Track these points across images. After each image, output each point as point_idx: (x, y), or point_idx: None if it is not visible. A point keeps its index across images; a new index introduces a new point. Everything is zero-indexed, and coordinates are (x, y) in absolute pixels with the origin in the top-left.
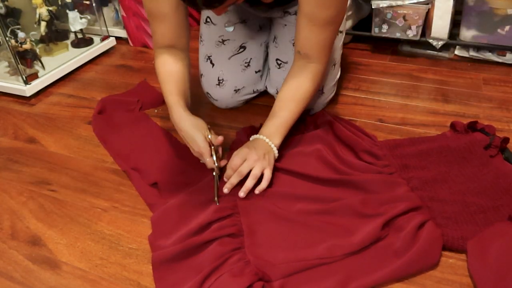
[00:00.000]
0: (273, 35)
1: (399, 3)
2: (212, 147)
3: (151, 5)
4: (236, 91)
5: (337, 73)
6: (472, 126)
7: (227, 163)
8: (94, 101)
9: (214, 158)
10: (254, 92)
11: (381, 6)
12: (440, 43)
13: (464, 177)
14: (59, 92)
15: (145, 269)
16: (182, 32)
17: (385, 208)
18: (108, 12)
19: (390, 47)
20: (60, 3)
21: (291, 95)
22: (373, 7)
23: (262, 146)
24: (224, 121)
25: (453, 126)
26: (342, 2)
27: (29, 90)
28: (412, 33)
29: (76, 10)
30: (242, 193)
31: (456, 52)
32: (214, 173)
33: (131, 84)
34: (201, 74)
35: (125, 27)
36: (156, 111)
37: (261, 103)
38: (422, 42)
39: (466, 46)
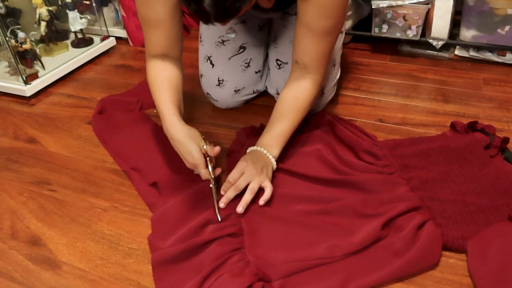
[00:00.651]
0: (273, 35)
1: (399, 3)
2: (208, 158)
3: (146, 11)
4: (236, 91)
5: (337, 74)
6: (472, 126)
7: (221, 172)
8: (94, 101)
9: (210, 169)
10: (254, 92)
11: (381, 6)
12: (440, 43)
13: (464, 177)
14: (59, 92)
15: (145, 269)
16: (176, 40)
17: (385, 208)
18: (108, 12)
19: (390, 47)
20: (60, 3)
21: (289, 105)
22: (373, 7)
23: (260, 159)
24: (224, 121)
25: (453, 126)
26: (342, 12)
27: (29, 90)
28: (412, 33)
29: (76, 10)
30: (240, 208)
31: (456, 52)
32: (211, 185)
33: (131, 84)
34: (201, 75)
35: (125, 27)
36: (156, 111)
37: (261, 103)
38: (422, 42)
39: (466, 46)
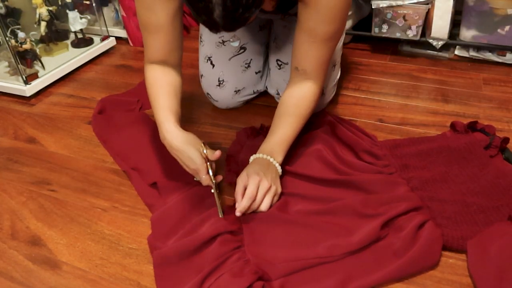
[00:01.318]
0: (273, 35)
1: (399, 3)
2: (208, 163)
3: (146, 15)
4: (237, 91)
5: (337, 74)
6: (472, 126)
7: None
8: (94, 101)
9: (211, 174)
10: (254, 92)
11: (381, 6)
12: (440, 43)
13: (464, 177)
14: (59, 92)
15: (145, 269)
16: (175, 46)
17: (385, 208)
18: (108, 12)
19: (390, 47)
20: (60, 3)
21: (291, 112)
22: (373, 7)
23: (269, 169)
24: (224, 121)
25: (453, 126)
26: (344, 18)
27: (29, 90)
28: (412, 33)
29: (76, 10)
30: (239, 213)
31: (456, 52)
32: (212, 191)
33: (131, 84)
34: (201, 75)
35: (125, 27)
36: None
37: (261, 103)
38: (422, 42)
39: (466, 46)
